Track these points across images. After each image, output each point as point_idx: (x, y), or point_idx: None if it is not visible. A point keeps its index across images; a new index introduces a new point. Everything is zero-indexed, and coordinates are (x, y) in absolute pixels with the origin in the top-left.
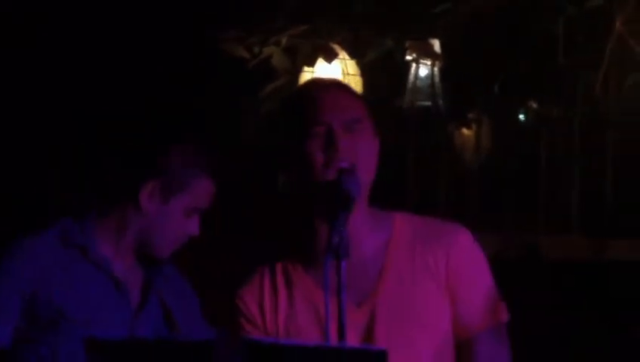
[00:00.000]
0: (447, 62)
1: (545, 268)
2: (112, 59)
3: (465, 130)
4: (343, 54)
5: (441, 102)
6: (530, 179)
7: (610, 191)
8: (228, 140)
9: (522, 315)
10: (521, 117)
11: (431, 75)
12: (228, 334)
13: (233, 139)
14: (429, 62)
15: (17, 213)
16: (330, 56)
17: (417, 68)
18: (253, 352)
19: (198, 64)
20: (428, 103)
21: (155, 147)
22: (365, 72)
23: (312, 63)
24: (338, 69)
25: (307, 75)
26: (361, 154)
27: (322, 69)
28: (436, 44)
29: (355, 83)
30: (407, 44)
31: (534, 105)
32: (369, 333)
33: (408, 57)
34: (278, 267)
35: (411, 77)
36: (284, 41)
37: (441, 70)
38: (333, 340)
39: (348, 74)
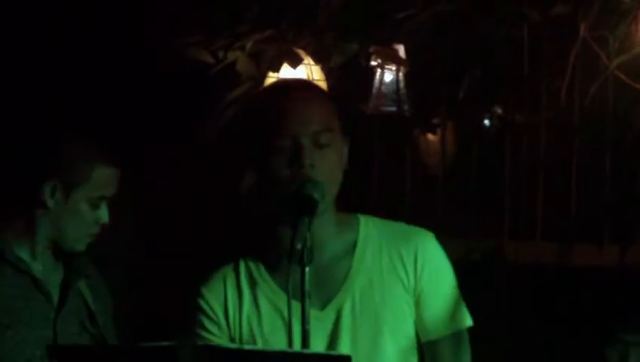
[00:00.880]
0: (412, 68)
1: (509, 273)
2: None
3: (430, 135)
4: (307, 59)
5: (406, 107)
6: (495, 184)
7: (575, 196)
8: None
9: (486, 320)
10: (486, 122)
11: (396, 81)
12: (191, 340)
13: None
14: (393, 68)
15: None
16: (295, 62)
17: (382, 73)
18: (216, 358)
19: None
20: (393, 108)
21: (44, 147)
22: (330, 77)
23: (276, 68)
24: (303, 74)
25: (272, 80)
26: (328, 168)
27: (287, 74)
28: (401, 50)
29: None
30: (371, 50)
31: (499, 111)
32: (334, 336)
33: (373, 62)
34: (242, 268)
35: (376, 82)
36: (248, 46)
37: (405, 75)
38: (298, 345)
39: (313, 79)
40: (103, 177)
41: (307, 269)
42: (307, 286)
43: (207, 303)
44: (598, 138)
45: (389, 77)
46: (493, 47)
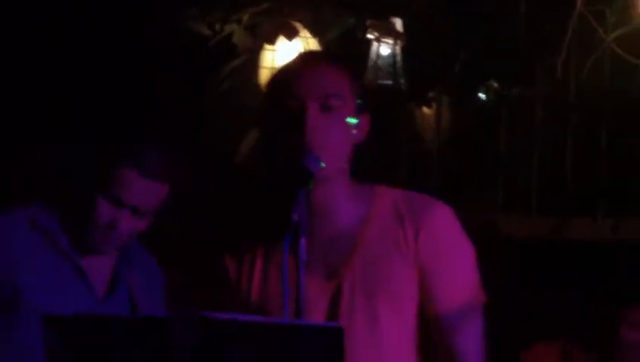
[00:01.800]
0: (409, 41)
1: (504, 247)
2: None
3: (425, 109)
4: (304, 32)
5: (402, 81)
6: (490, 158)
7: (570, 170)
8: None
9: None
10: (482, 96)
11: (392, 54)
12: (183, 310)
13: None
14: (390, 41)
15: None
16: (292, 34)
17: (379, 46)
18: (210, 328)
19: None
20: (389, 82)
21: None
22: (327, 50)
23: (273, 41)
24: (299, 47)
25: (268, 53)
26: (333, 134)
27: (283, 47)
28: (398, 23)
29: None
30: (368, 23)
31: (495, 85)
32: (334, 307)
33: (370, 36)
34: (258, 237)
35: (373, 55)
36: (245, 18)
37: (402, 49)
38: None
39: None
40: (130, 182)
41: (303, 241)
42: (303, 257)
43: (226, 270)
44: (594, 112)
45: (385, 50)
46: (490, 21)
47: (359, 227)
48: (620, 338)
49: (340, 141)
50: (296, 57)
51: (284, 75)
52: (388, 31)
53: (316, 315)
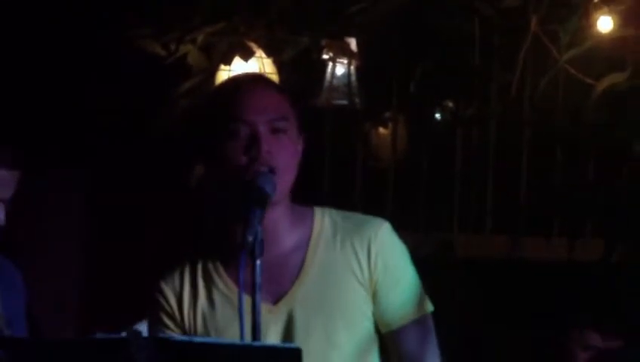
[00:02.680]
0: (364, 61)
1: (460, 266)
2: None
3: (381, 129)
4: (259, 52)
5: (357, 100)
6: (446, 177)
7: (525, 189)
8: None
9: (437, 313)
10: (437, 116)
11: (347, 74)
12: (139, 332)
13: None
14: (345, 61)
15: None
16: (247, 55)
17: (334, 66)
18: (166, 349)
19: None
20: (344, 102)
21: None
22: (282, 70)
23: (228, 61)
24: (255, 67)
25: (224, 73)
26: (283, 157)
27: (239, 68)
28: (353, 43)
29: None
30: (323, 43)
31: (450, 105)
32: (288, 331)
33: (325, 56)
34: (199, 262)
35: (328, 75)
36: (200, 38)
37: (357, 69)
38: (249, 338)
39: (264, 72)
40: None
41: (258, 262)
42: (258, 280)
43: (164, 296)
44: (548, 132)
45: (340, 70)
46: (445, 41)
47: (304, 249)
48: (574, 359)
49: (290, 162)
50: (234, 82)
51: (228, 101)
52: (343, 51)
53: (269, 338)
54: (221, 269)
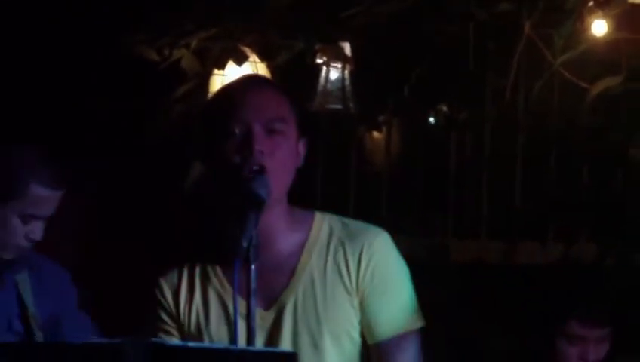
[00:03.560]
0: (358, 66)
1: (454, 271)
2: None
3: (375, 133)
4: (253, 57)
5: (351, 105)
6: (440, 182)
7: (519, 194)
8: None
9: (430, 318)
10: (432, 120)
11: (341, 78)
12: (135, 336)
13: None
14: (339, 66)
15: None
16: (241, 59)
17: (328, 71)
18: (162, 355)
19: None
20: (338, 106)
21: None
22: (276, 74)
23: (222, 66)
24: (248, 71)
25: (217, 77)
26: (278, 158)
27: (233, 72)
28: (347, 48)
29: None
30: (317, 47)
31: (444, 109)
32: (275, 336)
33: (319, 60)
34: (197, 261)
35: (322, 80)
36: (194, 43)
37: (351, 73)
38: (241, 342)
39: None
40: (38, 197)
41: (253, 268)
42: (253, 285)
43: (162, 293)
44: (543, 136)
45: (334, 75)
46: (439, 46)
47: (299, 254)
48: (561, 357)
49: (286, 165)
50: (235, 82)
51: (226, 100)
52: (337, 55)
53: (257, 344)
54: (218, 269)
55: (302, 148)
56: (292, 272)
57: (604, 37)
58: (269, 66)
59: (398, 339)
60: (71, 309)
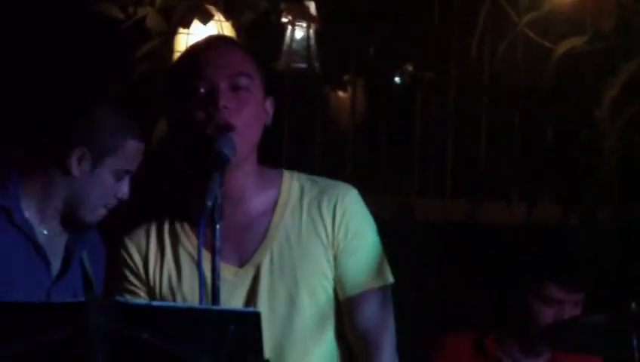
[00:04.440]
0: (323, 25)
1: (419, 230)
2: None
3: (340, 93)
4: (218, 16)
5: (316, 64)
6: (405, 141)
7: (484, 154)
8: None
9: (396, 276)
10: (397, 80)
11: (306, 38)
12: (100, 295)
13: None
14: (304, 25)
15: None
16: (206, 18)
17: (293, 30)
18: (126, 313)
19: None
20: (303, 65)
21: (77, 112)
22: (241, 34)
23: (187, 25)
24: (214, 30)
25: (182, 36)
26: (245, 115)
27: (198, 31)
28: (312, 7)
29: None
30: (282, 6)
31: (410, 69)
32: (252, 294)
33: (284, 19)
34: (165, 221)
35: (287, 39)
36: (158, 1)
37: (316, 33)
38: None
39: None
40: (133, 150)
41: (217, 227)
42: (218, 243)
43: (128, 253)
44: (508, 96)
45: (299, 34)
46: (404, 4)
47: (270, 213)
48: (535, 317)
49: (252, 121)
50: (200, 42)
51: (191, 59)
52: (302, 14)
53: (234, 300)
54: (187, 227)
55: (269, 107)
56: (265, 230)
57: None
58: (234, 25)
59: (371, 294)
60: (100, 282)
